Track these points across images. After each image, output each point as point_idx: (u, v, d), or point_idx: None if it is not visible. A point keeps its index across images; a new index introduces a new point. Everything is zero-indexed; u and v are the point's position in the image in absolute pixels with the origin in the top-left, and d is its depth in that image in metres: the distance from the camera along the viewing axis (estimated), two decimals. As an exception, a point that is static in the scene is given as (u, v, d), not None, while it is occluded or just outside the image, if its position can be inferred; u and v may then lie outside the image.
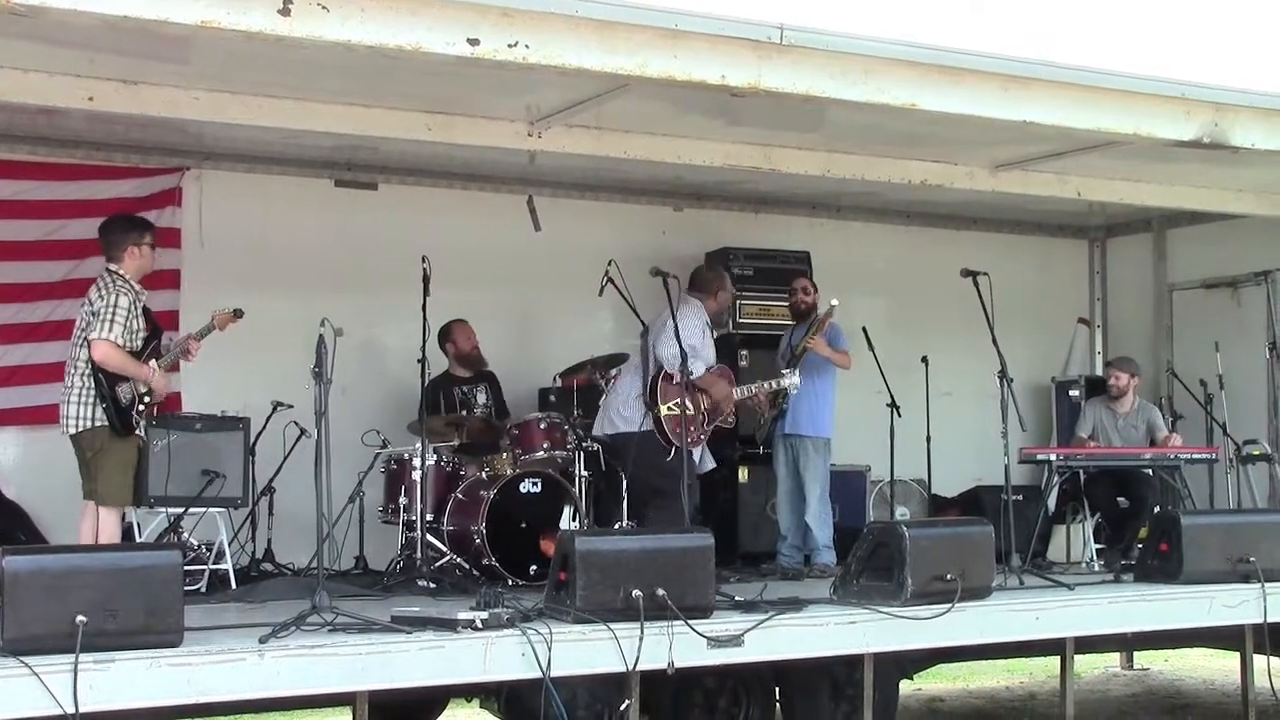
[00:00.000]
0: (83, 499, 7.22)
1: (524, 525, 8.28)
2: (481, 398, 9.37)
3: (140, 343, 7.20)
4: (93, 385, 7.04)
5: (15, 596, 5.05)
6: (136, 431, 7.24)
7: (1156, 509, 9.27)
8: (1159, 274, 12.17)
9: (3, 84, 7.00)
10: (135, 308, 7.15)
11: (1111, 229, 12.61)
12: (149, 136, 9.05)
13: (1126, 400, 10.05)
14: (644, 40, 6.26)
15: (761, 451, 9.69)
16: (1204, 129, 7.74)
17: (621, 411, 8.26)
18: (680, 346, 7.67)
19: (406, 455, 8.62)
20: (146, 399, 7.20)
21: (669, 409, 7.89)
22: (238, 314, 7.94)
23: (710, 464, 8.46)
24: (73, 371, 7.13)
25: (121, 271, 7.19)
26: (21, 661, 4.90)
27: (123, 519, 7.26)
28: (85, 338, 7.08)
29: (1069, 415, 10.95)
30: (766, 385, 8.81)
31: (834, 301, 9.18)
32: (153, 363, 7.24)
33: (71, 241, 9.01)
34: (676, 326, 7.78)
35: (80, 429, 7.07)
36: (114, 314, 7.02)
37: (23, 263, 8.67)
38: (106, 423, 7.06)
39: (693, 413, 7.90)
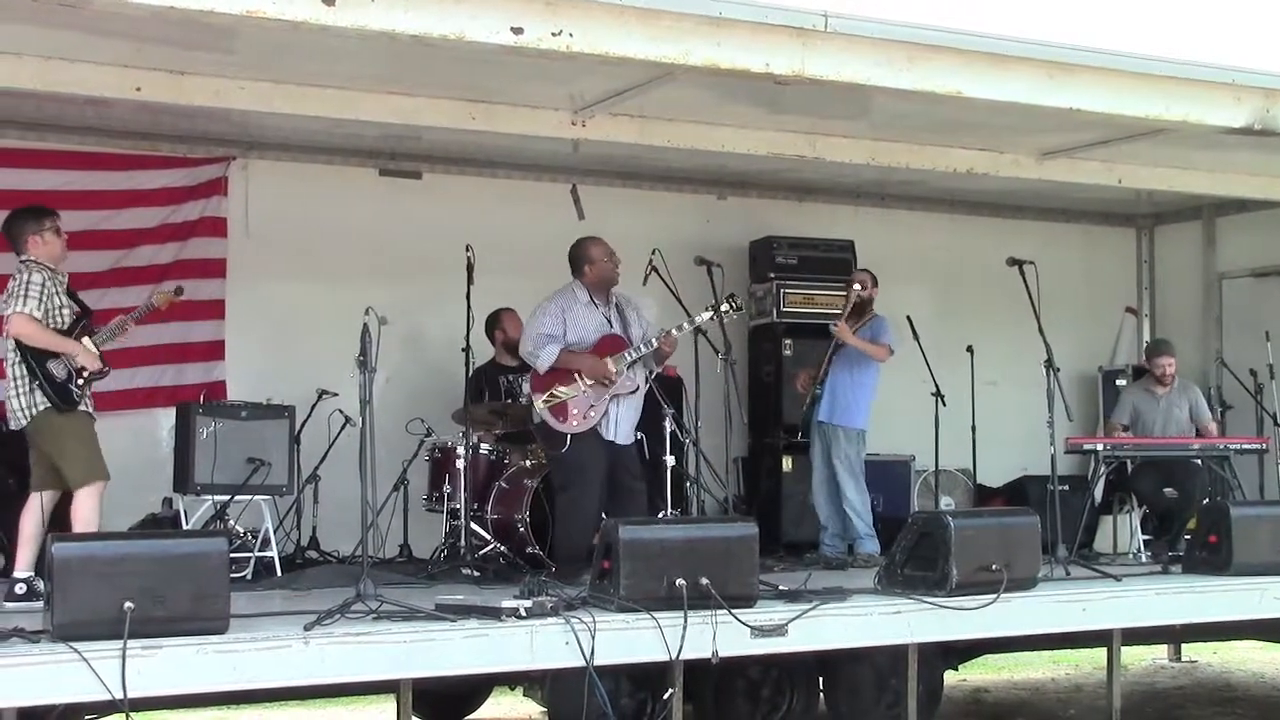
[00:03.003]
0: (31, 490, 6.99)
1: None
2: (527, 387, 9.35)
3: (66, 320, 6.99)
4: (24, 370, 6.84)
5: (64, 583, 5.11)
6: (82, 407, 6.96)
7: (1205, 500, 9.18)
8: (1208, 262, 12.04)
9: (51, 75, 7.06)
10: (52, 285, 6.93)
11: (1160, 217, 12.50)
12: (195, 126, 9.11)
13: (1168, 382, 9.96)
14: (688, 28, 6.25)
15: (802, 440, 9.65)
16: (1255, 115, 7.66)
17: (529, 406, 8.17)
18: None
19: (450, 443, 8.65)
20: (84, 374, 6.94)
21: (543, 401, 7.81)
22: (178, 292, 7.84)
23: (630, 439, 7.98)
24: (7, 364, 6.94)
25: (31, 258, 6.98)
26: (71, 647, 4.94)
27: (101, 496, 6.90)
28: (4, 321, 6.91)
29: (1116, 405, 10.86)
30: (685, 325, 8.07)
31: (856, 286, 9.14)
32: (84, 339, 7.02)
33: (119, 231, 9.11)
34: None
35: (28, 418, 6.87)
36: (26, 289, 6.82)
37: (70, 253, 8.73)
38: (49, 404, 6.84)
39: (575, 395, 7.75)
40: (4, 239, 7.21)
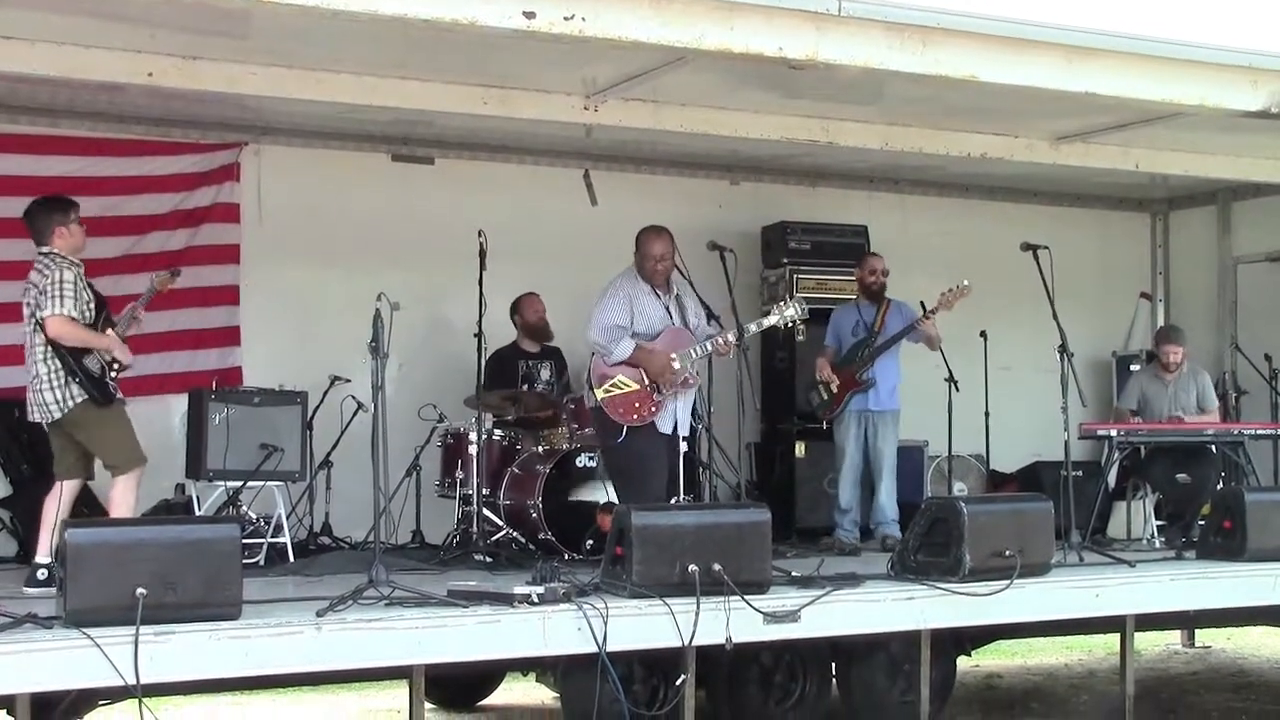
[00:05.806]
0: (56, 478, 6.99)
1: (580, 500, 8.30)
2: (545, 374, 9.37)
3: (93, 314, 6.99)
4: (59, 365, 6.83)
5: (77, 569, 5.12)
6: (118, 397, 7.00)
7: (1219, 485, 9.15)
8: (1223, 247, 11.99)
9: (65, 60, 7.06)
10: (81, 281, 6.92)
11: (1174, 201, 12.44)
12: (208, 112, 9.09)
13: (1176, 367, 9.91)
14: (701, 12, 6.24)
15: (825, 427, 9.61)
16: (1272, 99, 7.63)
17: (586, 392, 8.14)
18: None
19: (463, 429, 8.64)
20: (116, 366, 6.98)
21: (605, 391, 7.76)
22: (174, 274, 7.78)
23: (685, 429, 7.99)
24: (34, 359, 6.90)
25: (56, 251, 6.95)
26: (84, 633, 4.96)
27: (139, 481, 7.00)
28: (37, 320, 6.85)
29: (1131, 391, 10.84)
30: (763, 322, 8.16)
31: (965, 282, 9.01)
32: (109, 331, 7.02)
33: (131, 218, 9.10)
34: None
35: (63, 412, 6.85)
36: (61, 289, 6.80)
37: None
38: (86, 397, 6.84)
39: (636, 388, 7.70)
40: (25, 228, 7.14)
